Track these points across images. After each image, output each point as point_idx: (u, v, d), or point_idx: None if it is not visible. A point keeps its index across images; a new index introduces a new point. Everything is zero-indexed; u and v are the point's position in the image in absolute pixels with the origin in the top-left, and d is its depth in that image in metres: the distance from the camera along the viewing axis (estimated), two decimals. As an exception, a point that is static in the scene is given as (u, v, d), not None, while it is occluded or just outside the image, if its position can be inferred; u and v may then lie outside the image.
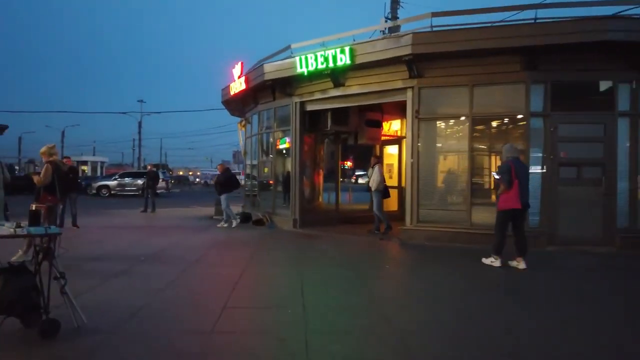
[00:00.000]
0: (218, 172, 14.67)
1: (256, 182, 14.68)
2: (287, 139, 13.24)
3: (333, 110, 12.02)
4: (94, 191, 29.10)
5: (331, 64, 10.37)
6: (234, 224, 12.87)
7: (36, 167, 39.18)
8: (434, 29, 9.52)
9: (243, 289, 5.92)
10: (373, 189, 11.15)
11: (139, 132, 52.53)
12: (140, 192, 25.48)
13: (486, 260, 7.52)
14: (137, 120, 52.14)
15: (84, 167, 47.11)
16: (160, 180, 30.32)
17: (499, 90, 9.60)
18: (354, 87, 10.89)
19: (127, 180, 29.65)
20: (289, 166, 12.84)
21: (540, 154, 9.29)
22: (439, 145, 10.44)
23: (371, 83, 10.56)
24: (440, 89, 9.99)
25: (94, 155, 63.07)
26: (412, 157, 10.11)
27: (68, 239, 9.65)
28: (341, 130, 12.65)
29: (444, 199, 10.28)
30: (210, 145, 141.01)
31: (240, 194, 17.19)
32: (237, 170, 65.92)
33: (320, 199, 14.53)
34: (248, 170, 16.79)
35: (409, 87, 10.08)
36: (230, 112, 16.97)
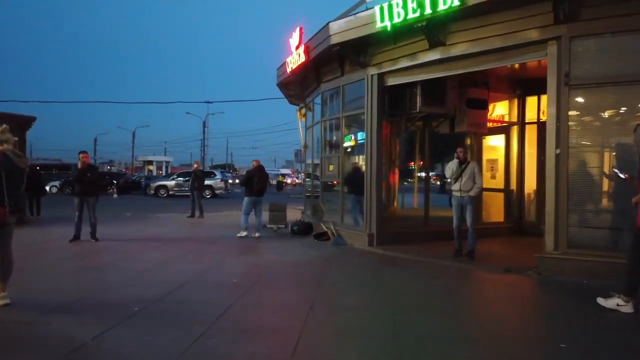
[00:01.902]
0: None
1: (319, 183, 11.43)
2: (352, 136, 9.90)
3: (424, 84, 8.49)
4: (152, 191, 27.38)
5: (428, 11, 6.85)
6: (242, 234, 10.10)
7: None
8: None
9: None
10: (473, 194, 7.55)
11: (204, 132, 51.48)
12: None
13: (607, 302, 4.81)
14: (202, 119, 51.15)
15: (150, 167, 46.58)
16: (219, 180, 28.09)
17: None
18: (459, 45, 7.29)
19: (185, 179, 27.65)
20: (361, 163, 9.48)
21: None
22: (602, 127, 6.60)
23: (488, 37, 6.90)
24: (607, 38, 6.15)
25: (165, 155, 63.32)
26: (557, 147, 6.36)
27: (57, 263, 7.08)
28: (435, 112, 9.06)
29: (612, 212, 6.44)
30: (275, 144, 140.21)
31: (293, 196, 14.05)
32: (285, 170, 63.61)
33: (396, 205, 10.99)
34: (309, 169, 13.63)
35: (553, 39, 6.35)
36: (287, 99, 13.85)
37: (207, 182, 23.81)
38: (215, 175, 28.23)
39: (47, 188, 30.96)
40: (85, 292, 5.35)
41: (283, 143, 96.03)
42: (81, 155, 9.25)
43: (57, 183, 30.42)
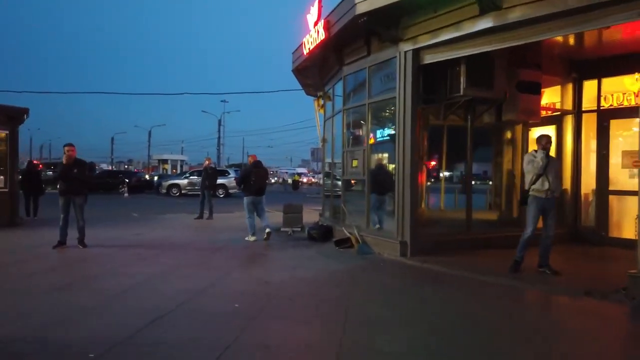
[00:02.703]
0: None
1: (340, 182, 9.97)
2: (380, 127, 8.45)
3: (469, 63, 6.97)
4: (164, 190, 26.27)
5: (482, -37, 5.35)
6: (250, 238, 8.97)
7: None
8: None
9: None
10: (558, 194, 6.02)
11: (219, 131, 50.47)
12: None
13: None
14: (218, 118, 50.16)
15: (165, 166, 45.70)
16: (233, 178, 26.77)
17: None
18: (519, 9, 5.73)
19: (197, 178, 26.47)
20: (391, 158, 7.99)
21: None
22: None
23: (561, -6, 5.38)
24: None
25: (182, 154, 62.50)
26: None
27: (25, 278, 5.70)
28: (482, 96, 7.49)
29: None
30: (291, 142, 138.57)
31: (309, 196, 12.63)
32: (301, 169, 61.77)
33: (425, 207, 9.47)
34: (328, 165, 12.22)
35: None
36: (304, 89, 12.42)
37: (220, 180, 22.53)
38: (229, 173, 26.96)
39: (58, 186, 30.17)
40: (36, 323, 4.00)
41: (299, 142, 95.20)
42: (66, 148, 7.96)
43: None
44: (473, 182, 8.79)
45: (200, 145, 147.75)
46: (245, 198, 9.32)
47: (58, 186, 8.37)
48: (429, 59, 7.05)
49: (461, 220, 8.24)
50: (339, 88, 9.48)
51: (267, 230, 9.08)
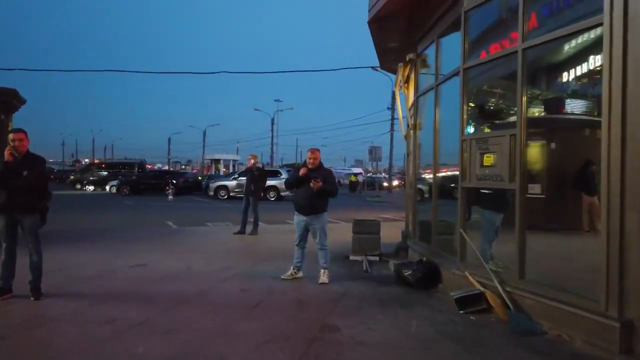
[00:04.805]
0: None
1: (457, 190, 6.19)
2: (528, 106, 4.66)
3: None
4: (211, 193, 23.47)
5: None
6: (288, 276, 5.79)
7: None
8: None
9: None
10: None
11: (272, 130, 47.78)
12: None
13: None
14: (271, 117, 47.50)
15: (218, 166, 43.53)
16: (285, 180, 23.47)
17: None
18: None
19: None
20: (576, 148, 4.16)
21: None
22: None
23: None
24: None
25: (237, 154, 60.58)
26: None
27: None
28: None
29: None
30: (345, 141, 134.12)
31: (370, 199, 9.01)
32: (356, 169, 57.74)
33: None
34: (410, 164, 8.50)
35: None
36: (381, 58, 8.65)
37: (270, 182, 19.30)
38: (280, 174, 23.69)
39: (107, 188, 28.46)
40: None
41: (352, 140, 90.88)
42: (12, 136, 4.75)
43: (115, 182, 27.65)
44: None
45: (254, 145, 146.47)
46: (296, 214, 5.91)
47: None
48: None
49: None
50: (448, 42, 5.73)
51: (323, 269, 5.67)
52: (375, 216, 9.40)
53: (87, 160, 64.59)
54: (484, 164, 4.79)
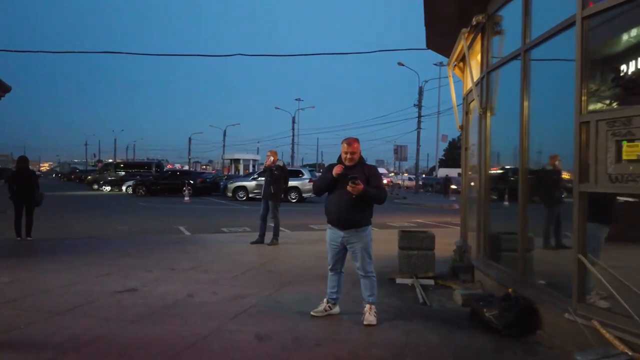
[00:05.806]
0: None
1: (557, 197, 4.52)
2: None
3: None
4: (229, 194, 22.08)
5: None
6: (319, 312, 4.09)
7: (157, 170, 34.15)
8: None
9: None
10: None
11: (293, 129, 46.43)
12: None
13: None
14: (292, 116, 46.15)
15: (238, 166, 42.26)
16: (308, 180, 21.88)
17: None
18: None
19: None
20: None
21: None
22: None
23: None
24: None
25: (257, 153, 59.42)
26: None
27: None
28: None
29: None
30: (367, 140, 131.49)
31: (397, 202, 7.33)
32: (381, 169, 55.88)
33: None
34: (466, 161, 6.89)
35: None
36: (430, 30, 6.94)
37: (292, 182, 17.76)
38: (302, 174, 22.16)
39: (123, 188, 27.38)
40: None
41: (375, 140, 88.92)
42: None
43: (131, 182, 26.59)
44: None
45: (275, 144, 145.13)
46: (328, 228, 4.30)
47: None
48: None
49: None
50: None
51: (368, 304, 4.06)
52: (407, 221, 7.81)
53: (110, 160, 64.43)
54: (625, 158, 3.11)
